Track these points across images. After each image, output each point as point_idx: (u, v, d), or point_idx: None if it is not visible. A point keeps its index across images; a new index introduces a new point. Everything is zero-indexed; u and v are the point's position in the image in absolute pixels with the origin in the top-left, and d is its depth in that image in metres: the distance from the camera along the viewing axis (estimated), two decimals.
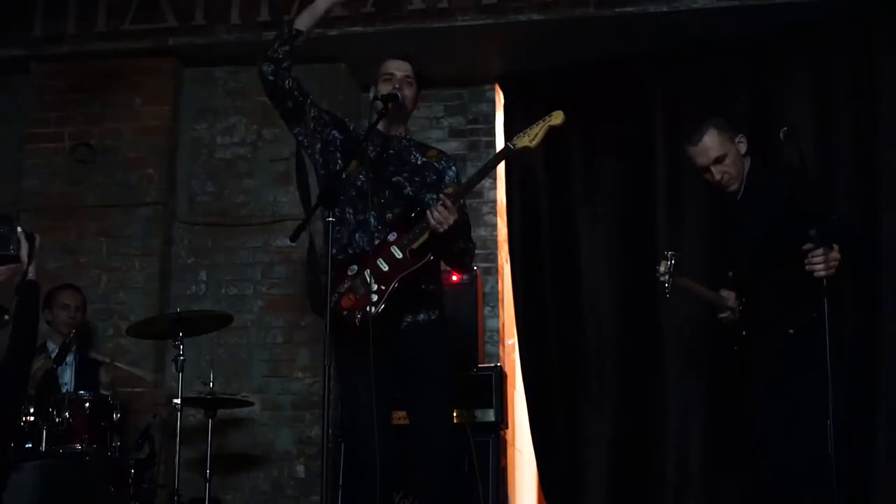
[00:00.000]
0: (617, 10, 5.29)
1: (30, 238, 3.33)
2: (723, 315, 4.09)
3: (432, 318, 3.63)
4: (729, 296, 4.05)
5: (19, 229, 3.29)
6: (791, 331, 3.83)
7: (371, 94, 3.72)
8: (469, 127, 6.06)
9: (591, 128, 5.76)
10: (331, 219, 3.33)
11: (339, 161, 3.65)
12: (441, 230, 3.42)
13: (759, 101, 5.36)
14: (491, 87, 6.08)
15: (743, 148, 4.02)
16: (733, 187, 4.01)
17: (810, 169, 4.16)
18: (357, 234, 3.57)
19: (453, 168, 3.74)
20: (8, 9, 5.88)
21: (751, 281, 3.98)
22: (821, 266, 3.56)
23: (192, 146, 5.95)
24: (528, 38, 5.53)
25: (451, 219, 3.41)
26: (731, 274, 4.07)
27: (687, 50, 5.52)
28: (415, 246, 3.47)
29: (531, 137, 3.52)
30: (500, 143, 5.92)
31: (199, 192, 5.90)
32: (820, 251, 3.56)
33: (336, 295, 3.45)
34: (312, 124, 3.71)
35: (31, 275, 3.34)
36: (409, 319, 3.59)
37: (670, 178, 5.49)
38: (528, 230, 5.81)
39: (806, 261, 3.59)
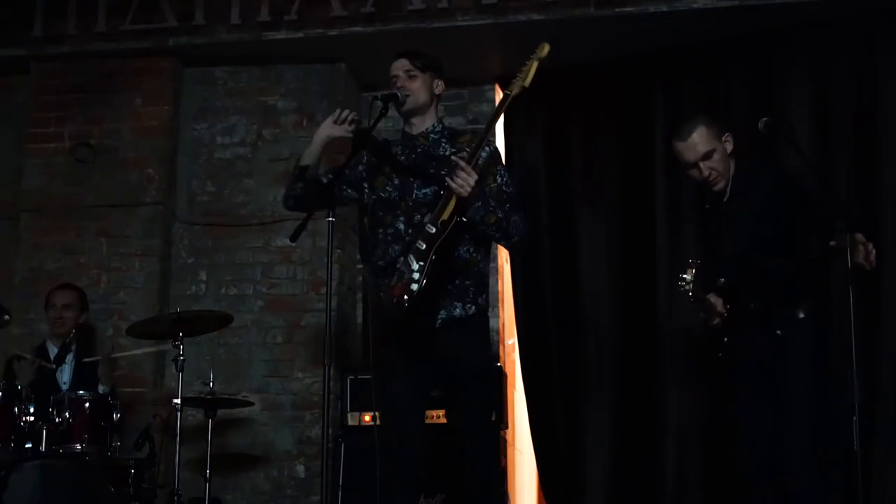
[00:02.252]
0: (617, 10, 5.29)
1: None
2: (715, 322, 4.04)
3: (469, 313, 3.56)
4: (717, 302, 4.01)
5: None
6: (779, 332, 3.84)
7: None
8: (469, 127, 6.03)
9: (591, 128, 5.77)
10: (331, 219, 3.34)
11: (365, 183, 3.71)
12: (465, 193, 3.37)
13: (760, 101, 5.34)
14: (491, 87, 6.08)
15: (729, 147, 3.99)
16: (719, 186, 3.98)
17: (809, 161, 4.12)
18: (391, 247, 3.55)
19: (486, 148, 3.61)
20: (8, 9, 5.88)
21: (739, 283, 3.95)
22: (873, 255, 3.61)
23: (192, 146, 5.95)
24: (528, 38, 5.47)
25: (472, 179, 3.36)
26: (721, 280, 4.02)
27: (686, 49, 5.52)
28: (445, 216, 3.41)
29: (524, 78, 3.54)
30: (500, 144, 5.92)
31: (199, 192, 5.90)
32: (862, 238, 3.60)
33: (388, 289, 3.46)
34: (345, 183, 3.73)
35: None
36: (443, 315, 3.53)
37: (670, 178, 5.48)
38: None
39: (862, 253, 3.60)
